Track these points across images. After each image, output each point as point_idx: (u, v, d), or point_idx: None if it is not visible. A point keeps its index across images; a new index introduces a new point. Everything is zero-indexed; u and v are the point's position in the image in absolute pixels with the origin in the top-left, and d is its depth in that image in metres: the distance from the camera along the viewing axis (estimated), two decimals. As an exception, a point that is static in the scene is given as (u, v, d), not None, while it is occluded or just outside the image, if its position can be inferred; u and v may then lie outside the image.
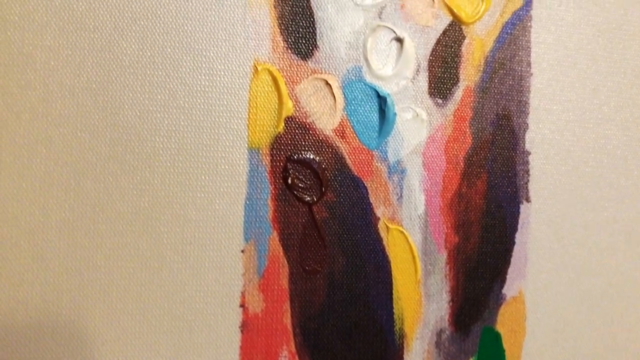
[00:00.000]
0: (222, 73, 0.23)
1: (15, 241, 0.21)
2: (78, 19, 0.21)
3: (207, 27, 0.23)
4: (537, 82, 0.26)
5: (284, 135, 0.24)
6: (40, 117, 0.21)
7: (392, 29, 0.25)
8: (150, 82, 0.22)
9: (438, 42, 0.25)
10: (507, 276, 0.26)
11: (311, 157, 0.24)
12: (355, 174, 0.24)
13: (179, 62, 0.22)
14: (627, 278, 0.28)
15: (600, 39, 0.27)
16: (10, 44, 0.21)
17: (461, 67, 0.26)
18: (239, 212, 0.23)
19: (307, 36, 0.24)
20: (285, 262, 0.24)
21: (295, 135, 0.24)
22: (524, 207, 0.26)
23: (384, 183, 0.25)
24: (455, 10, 0.25)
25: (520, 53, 0.26)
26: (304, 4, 0.24)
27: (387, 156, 0.25)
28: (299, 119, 0.24)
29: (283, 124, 0.23)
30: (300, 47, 0.24)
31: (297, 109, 0.24)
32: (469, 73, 0.26)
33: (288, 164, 0.24)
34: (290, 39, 0.24)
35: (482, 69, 0.26)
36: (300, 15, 0.24)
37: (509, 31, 0.26)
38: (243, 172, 0.23)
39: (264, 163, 0.23)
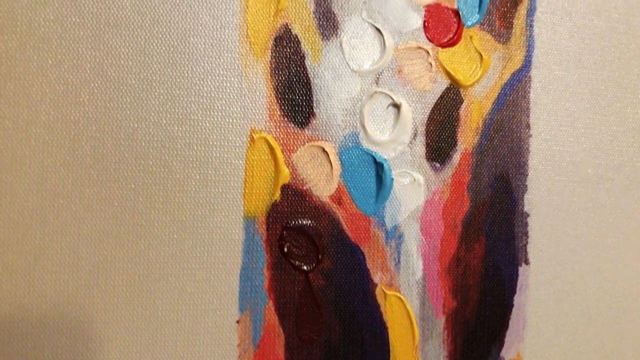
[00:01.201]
0: (218, 143, 0.23)
1: (16, 246, 0.21)
2: (71, 94, 0.21)
3: (203, 97, 0.22)
4: (536, 143, 0.26)
5: (281, 203, 0.23)
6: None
7: (389, 95, 0.24)
8: (146, 155, 0.22)
9: (436, 106, 0.25)
10: (506, 339, 0.26)
11: (308, 224, 0.24)
12: (352, 240, 0.24)
13: (175, 134, 0.22)
14: (627, 341, 0.27)
15: (599, 99, 0.27)
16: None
17: (459, 130, 0.25)
18: (235, 282, 0.23)
19: (304, 104, 0.24)
20: (281, 331, 0.23)
21: (291, 203, 0.24)
22: (522, 270, 0.26)
23: (381, 249, 0.25)
24: (453, 74, 0.25)
25: (519, 114, 0.26)
26: (301, 72, 0.24)
27: (384, 222, 0.25)
28: (295, 187, 0.24)
29: (279, 192, 0.23)
30: (296, 115, 0.24)
31: (294, 176, 0.24)
32: (467, 136, 0.26)
33: (284, 231, 0.23)
34: (287, 107, 0.23)
35: (480, 131, 0.26)
36: (296, 84, 0.23)
37: (507, 93, 0.26)
38: (239, 242, 0.23)
39: (260, 232, 0.23)
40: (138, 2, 0.22)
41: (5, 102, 0.21)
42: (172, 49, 0.22)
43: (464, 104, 0.25)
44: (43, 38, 0.21)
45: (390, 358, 0.25)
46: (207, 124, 0.23)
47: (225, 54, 0.23)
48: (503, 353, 0.26)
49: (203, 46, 0.22)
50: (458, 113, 0.25)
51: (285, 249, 0.23)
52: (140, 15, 0.22)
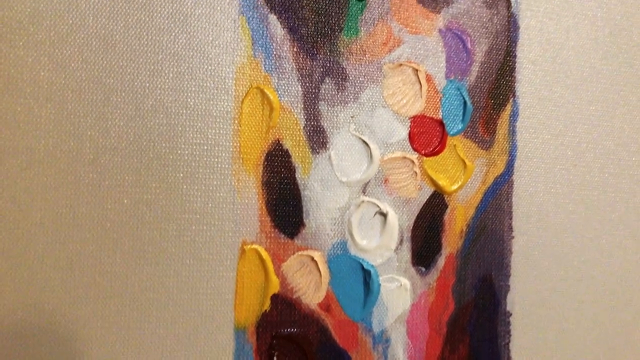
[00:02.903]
0: (211, 257, 0.23)
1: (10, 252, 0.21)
2: (66, 158, 0.22)
3: (197, 213, 0.23)
4: (518, 244, 0.27)
5: (270, 312, 0.24)
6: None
7: (376, 204, 0.25)
8: (140, 271, 0.23)
9: (421, 213, 0.26)
10: None
11: (297, 332, 0.24)
12: (341, 346, 0.25)
13: (169, 251, 0.23)
14: None
15: (582, 199, 0.28)
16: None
17: (443, 235, 0.26)
18: (225, 392, 0.24)
19: (294, 215, 0.25)
20: None
21: (281, 312, 0.24)
22: (506, 368, 0.27)
23: (369, 354, 0.25)
24: (437, 181, 0.26)
25: (501, 217, 0.27)
26: (291, 185, 0.24)
27: (371, 327, 0.25)
28: (285, 296, 0.24)
29: (269, 302, 0.24)
30: (287, 226, 0.24)
31: (284, 285, 0.24)
32: (451, 241, 0.26)
33: (274, 340, 0.24)
34: (278, 219, 0.24)
35: (464, 235, 0.27)
36: (287, 196, 0.24)
37: (490, 197, 0.27)
38: (229, 353, 0.24)
39: (250, 341, 0.24)
40: (133, 129, 0.23)
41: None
42: (166, 168, 0.23)
43: (448, 209, 0.26)
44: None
45: None
46: (200, 239, 0.23)
47: (219, 172, 0.24)
48: None
49: (198, 166, 0.23)
50: (442, 218, 0.26)
51: (275, 358, 0.24)
52: (137, 144, 0.23)
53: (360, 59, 0.25)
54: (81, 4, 0.22)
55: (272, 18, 0.24)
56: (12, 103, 0.22)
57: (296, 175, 0.25)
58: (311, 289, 0.25)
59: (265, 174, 0.24)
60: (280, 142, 0.24)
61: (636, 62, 0.29)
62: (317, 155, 0.25)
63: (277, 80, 0.24)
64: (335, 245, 0.25)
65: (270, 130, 0.24)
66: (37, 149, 0.22)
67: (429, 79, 0.26)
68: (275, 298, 0.24)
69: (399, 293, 0.26)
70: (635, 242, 0.29)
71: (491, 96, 0.27)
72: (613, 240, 0.29)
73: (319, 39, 0.25)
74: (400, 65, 0.26)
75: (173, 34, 0.23)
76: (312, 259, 0.25)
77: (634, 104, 0.29)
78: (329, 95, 0.25)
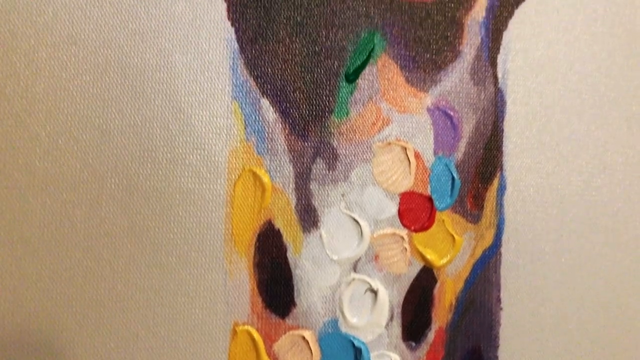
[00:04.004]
0: (201, 339, 0.24)
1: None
2: (59, 246, 0.23)
3: (189, 296, 0.24)
4: (506, 315, 0.28)
5: (262, 392, 0.24)
6: None
7: (366, 281, 0.26)
8: (133, 356, 0.23)
9: (411, 288, 0.26)
10: None
11: (288, 410, 0.25)
12: (331, 423, 0.25)
13: (161, 334, 0.23)
14: None
15: (570, 270, 0.29)
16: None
17: (433, 309, 0.27)
18: None
19: (285, 295, 0.25)
20: None
21: (272, 391, 0.25)
22: None
23: None
24: (427, 256, 0.26)
25: (490, 289, 0.28)
26: (283, 265, 0.25)
27: (362, 403, 0.26)
28: (276, 375, 0.25)
29: (261, 382, 0.24)
30: (278, 306, 0.25)
31: (275, 365, 0.25)
32: (441, 314, 0.27)
33: (265, 420, 0.24)
34: (269, 299, 0.25)
35: (453, 309, 0.27)
36: (278, 277, 0.25)
37: (479, 270, 0.28)
38: None
39: (242, 422, 0.24)
40: (127, 215, 0.23)
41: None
42: (159, 252, 0.23)
43: (437, 283, 0.27)
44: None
45: None
46: (193, 322, 0.24)
47: (212, 255, 0.24)
48: None
49: (190, 249, 0.24)
50: (432, 293, 0.27)
51: None
52: (131, 230, 0.23)
53: (350, 138, 0.26)
54: (75, 94, 0.23)
55: (264, 102, 0.25)
56: (6, 194, 0.22)
57: (287, 255, 0.25)
58: (302, 367, 0.25)
59: (256, 254, 0.25)
60: (272, 222, 0.25)
61: (622, 132, 0.30)
62: (308, 234, 0.25)
63: (269, 162, 0.25)
64: (326, 324, 0.25)
65: (262, 211, 0.25)
66: (31, 240, 0.22)
67: (417, 156, 0.27)
68: (266, 378, 0.25)
69: (390, 368, 0.26)
70: (626, 318, 0.29)
71: (479, 171, 0.28)
72: (601, 309, 0.29)
73: (310, 121, 0.25)
74: (390, 143, 0.26)
75: (166, 121, 0.24)
76: (303, 338, 0.25)
77: (621, 176, 0.29)
78: (320, 174, 0.26)
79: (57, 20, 0.23)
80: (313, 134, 0.25)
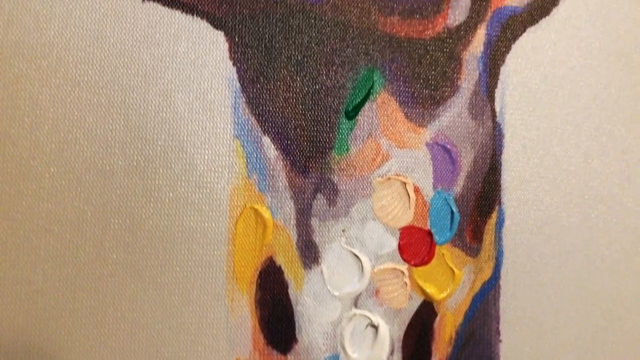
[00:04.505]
0: (205, 377, 0.24)
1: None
2: (63, 287, 0.23)
3: (191, 334, 0.24)
4: (506, 348, 0.28)
5: None
6: None
7: (367, 316, 0.26)
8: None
9: (411, 322, 0.27)
10: None
11: None
12: None
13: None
14: None
15: (569, 301, 0.29)
16: None
17: (433, 343, 0.27)
18: None
19: (287, 331, 0.25)
20: None
21: None
22: None
23: None
24: (427, 290, 0.27)
25: (489, 322, 0.28)
26: (284, 302, 0.25)
27: None
28: (278, 411, 0.25)
29: (263, 419, 0.25)
30: (280, 342, 0.25)
31: (277, 401, 0.25)
32: (441, 347, 0.27)
33: None
34: (271, 335, 0.25)
35: (453, 342, 0.27)
36: (280, 313, 0.25)
37: (478, 302, 0.28)
38: None
39: None
40: (130, 255, 0.23)
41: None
42: (162, 291, 0.24)
43: (437, 317, 0.27)
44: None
45: None
46: (194, 356, 0.24)
47: (214, 293, 0.24)
48: None
49: (192, 287, 0.24)
50: (432, 327, 0.27)
51: None
52: (134, 269, 0.23)
53: (350, 174, 0.26)
54: (78, 135, 0.23)
55: (266, 140, 0.25)
56: (10, 235, 0.22)
57: (289, 291, 0.25)
58: (304, 403, 0.25)
59: (258, 291, 0.25)
60: (273, 258, 0.25)
61: (619, 164, 0.30)
62: (309, 270, 0.26)
63: (270, 199, 0.25)
64: (327, 359, 0.26)
65: (264, 248, 0.25)
66: (34, 280, 0.22)
67: (417, 190, 0.27)
68: (268, 414, 0.25)
69: (391, 403, 0.26)
70: (626, 347, 0.29)
71: (478, 204, 0.28)
72: (600, 340, 0.29)
73: (310, 158, 0.26)
74: (389, 179, 0.27)
75: (169, 160, 0.24)
76: (305, 373, 0.25)
77: (618, 207, 0.30)
78: (320, 210, 0.26)
79: (60, 63, 0.23)
80: (314, 170, 0.26)
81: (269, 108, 0.25)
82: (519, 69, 0.29)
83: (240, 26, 0.25)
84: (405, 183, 0.27)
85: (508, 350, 0.28)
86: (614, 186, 0.30)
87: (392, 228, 0.27)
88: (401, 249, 0.27)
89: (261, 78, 0.25)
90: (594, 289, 0.29)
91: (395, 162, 0.27)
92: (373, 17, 0.26)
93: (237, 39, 0.25)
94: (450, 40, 0.28)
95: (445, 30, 0.28)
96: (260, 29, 0.25)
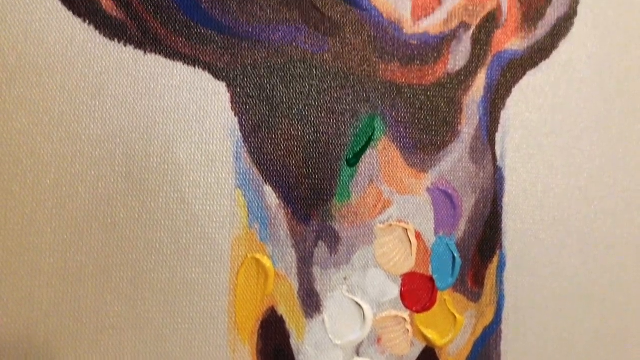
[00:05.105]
0: None
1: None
2: (65, 341, 0.23)
3: (194, 387, 0.24)
4: (508, 392, 0.28)
5: None
6: None
7: (369, 364, 0.26)
8: None
9: (413, 369, 0.27)
10: None
11: None
12: None
13: None
14: None
15: (570, 346, 0.29)
16: None
17: (435, 390, 0.27)
18: None
19: (289, 381, 0.25)
20: None
21: None
22: None
23: None
24: (429, 337, 0.27)
25: (491, 366, 0.28)
26: (285, 351, 0.25)
27: None
28: None
29: None
30: (282, 392, 0.25)
31: None
32: (443, 394, 0.27)
33: None
34: (273, 386, 0.25)
35: (455, 388, 0.27)
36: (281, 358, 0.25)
37: (480, 347, 0.28)
38: None
39: None
40: (132, 308, 0.23)
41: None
42: (164, 344, 0.24)
43: (439, 363, 0.27)
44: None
45: None
46: (197, 412, 0.24)
47: (215, 344, 0.24)
48: None
49: (194, 339, 0.24)
50: (434, 373, 0.27)
51: None
52: (136, 323, 0.23)
53: (352, 221, 0.26)
54: (80, 189, 0.23)
55: (267, 189, 0.25)
56: (13, 289, 0.22)
57: (291, 341, 0.25)
58: None
59: (260, 342, 0.25)
60: (275, 308, 0.25)
61: (621, 208, 0.30)
62: (311, 320, 0.25)
63: (272, 248, 0.25)
64: (329, 408, 0.25)
65: (265, 298, 0.25)
66: (37, 334, 0.22)
67: (418, 236, 0.27)
68: None
69: None
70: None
71: (479, 249, 0.28)
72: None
73: (312, 206, 0.26)
74: (391, 225, 0.27)
75: (171, 213, 0.24)
76: (307, 423, 0.25)
77: (620, 250, 0.30)
78: (322, 258, 0.26)
79: (62, 117, 0.23)
80: (315, 218, 0.26)
81: (271, 157, 0.25)
82: (519, 112, 0.29)
83: (241, 77, 0.25)
84: (406, 229, 0.27)
85: (510, 395, 0.28)
86: (615, 228, 0.30)
87: (393, 275, 0.27)
88: (403, 296, 0.27)
89: (263, 128, 0.25)
90: (596, 330, 0.29)
91: (397, 208, 0.27)
92: (373, 65, 0.27)
93: (238, 90, 0.25)
94: (451, 86, 0.28)
95: (446, 75, 0.28)
96: (262, 79, 0.25)
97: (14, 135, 0.23)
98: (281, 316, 0.25)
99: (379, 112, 0.27)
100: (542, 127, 0.29)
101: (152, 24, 0.24)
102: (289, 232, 0.25)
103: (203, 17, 0.25)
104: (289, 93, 0.25)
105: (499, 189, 0.28)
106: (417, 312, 0.27)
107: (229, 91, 0.25)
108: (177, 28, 0.24)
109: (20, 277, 0.22)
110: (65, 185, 0.23)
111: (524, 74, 0.29)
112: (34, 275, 0.23)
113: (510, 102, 0.29)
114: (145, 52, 0.24)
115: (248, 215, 0.25)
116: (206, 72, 0.25)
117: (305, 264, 0.26)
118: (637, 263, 0.30)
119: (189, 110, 0.24)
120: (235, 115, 0.25)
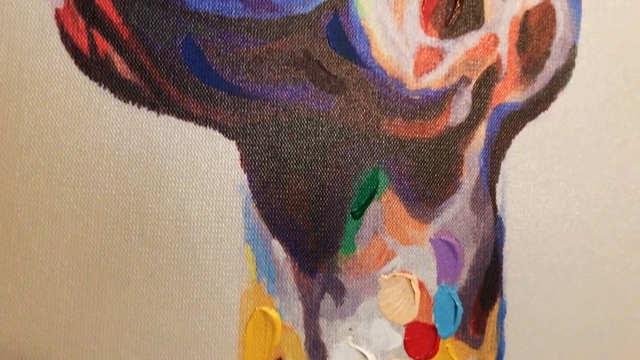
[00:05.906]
0: None
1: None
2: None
3: None
4: None
5: None
6: None
7: (374, 413, 0.27)
8: None
9: (417, 416, 0.27)
10: None
11: None
12: None
13: None
14: None
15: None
16: None
17: None
18: None
19: None
20: None
21: None
22: None
23: None
24: (431, 384, 0.28)
25: (493, 412, 0.29)
26: (293, 401, 0.26)
27: None
28: None
29: None
30: None
31: None
32: None
33: None
34: None
35: None
36: (289, 412, 0.26)
37: (482, 394, 0.28)
38: None
39: None
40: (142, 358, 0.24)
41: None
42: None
43: (442, 410, 0.28)
44: None
45: None
46: None
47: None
48: None
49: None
50: (437, 420, 0.28)
51: None
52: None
53: (357, 273, 0.27)
54: (96, 247, 0.24)
55: (275, 243, 0.26)
56: (29, 347, 0.23)
57: (298, 391, 0.26)
58: None
59: (268, 392, 0.26)
60: (283, 359, 0.26)
61: (620, 253, 0.31)
62: (318, 370, 0.26)
63: (279, 301, 0.26)
64: None
65: (273, 350, 0.26)
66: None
67: (421, 286, 0.28)
68: None
69: None
70: None
71: (480, 297, 0.29)
72: None
73: (318, 258, 0.27)
74: (395, 276, 0.27)
75: (183, 268, 0.25)
76: None
77: (621, 289, 0.31)
78: (328, 310, 0.27)
79: (79, 179, 0.24)
80: (321, 270, 0.27)
81: (279, 212, 0.26)
82: (519, 163, 0.30)
83: (250, 135, 0.26)
84: (410, 279, 0.28)
85: None
86: (614, 276, 0.30)
87: (397, 324, 0.27)
88: (407, 345, 0.27)
89: (271, 184, 0.26)
90: (594, 375, 0.30)
91: (400, 259, 0.28)
92: (377, 120, 0.28)
93: (247, 148, 0.26)
94: (452, 139, 0.29)
95: (447, 129, 0.29)
96: (270, 137, 0.26)
97: (32, 196, 0.24)
98: (288, 367, 0.26)
99: (382, 166, 0.28)
100: (542, 177, 0.30)
101: (165, 86, 0.25)
102: (295, 285, 0.26)
103: (214, 78, 0.26)
104: (296, 149, 0.26)
105: (500, 238, 0.29)
106: (421, 360, 0.28)
107: (238, 149, 0.26)
108: (189, 89, 0.25)
109: (38, 335, 0.23)
110: (81, 244, 0.24)
111: (524, 125, 0.30)
112: (51, 332, 0.23)
113: (510, 153, 0.30)
114: (158, 114, 0.25)
115: (256, 269, 0.26)
116: (217, 131, 0.26)
117: (311, 315, 0.26)
118: (637, 311, 0.30)
119: (200, 169, 0.25)
120: (244, 172, 0.26)
